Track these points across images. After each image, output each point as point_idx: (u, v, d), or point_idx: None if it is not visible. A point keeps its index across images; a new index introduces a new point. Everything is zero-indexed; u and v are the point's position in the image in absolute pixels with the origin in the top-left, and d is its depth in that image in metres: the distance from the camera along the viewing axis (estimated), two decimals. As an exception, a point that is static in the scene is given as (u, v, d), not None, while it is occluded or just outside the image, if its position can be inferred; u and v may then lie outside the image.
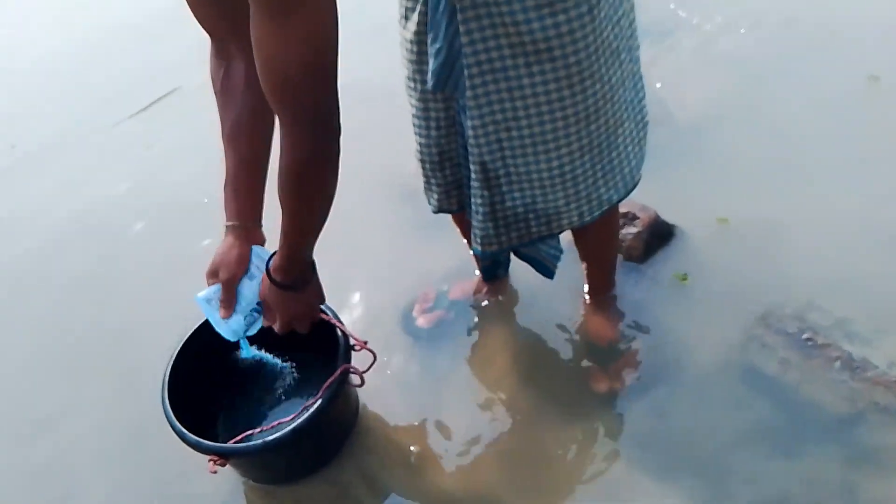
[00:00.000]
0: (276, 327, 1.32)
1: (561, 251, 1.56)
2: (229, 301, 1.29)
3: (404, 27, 1.28)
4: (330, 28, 0.94)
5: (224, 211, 1.28)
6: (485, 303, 1.85)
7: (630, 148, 1.35)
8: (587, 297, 1.78)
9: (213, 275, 1.29)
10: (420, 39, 1.25)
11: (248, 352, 1.38)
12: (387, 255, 2.04)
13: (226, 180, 1.26)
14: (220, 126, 1.25)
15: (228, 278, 1.28)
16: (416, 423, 1.64)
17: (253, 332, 1.35)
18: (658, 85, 2.31)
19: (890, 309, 1.64)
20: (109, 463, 1.72)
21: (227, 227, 1.28)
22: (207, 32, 1.20)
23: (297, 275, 1.26)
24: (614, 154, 1.32)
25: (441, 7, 1.16)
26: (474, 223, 1.38)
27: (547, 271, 1.58)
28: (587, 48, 1.14)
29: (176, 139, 2.71)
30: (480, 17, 1.13)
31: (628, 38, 1.26)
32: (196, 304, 1.30)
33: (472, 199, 1.35)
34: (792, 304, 1.67)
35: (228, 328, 1.31)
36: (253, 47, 0.96)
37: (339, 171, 1.10)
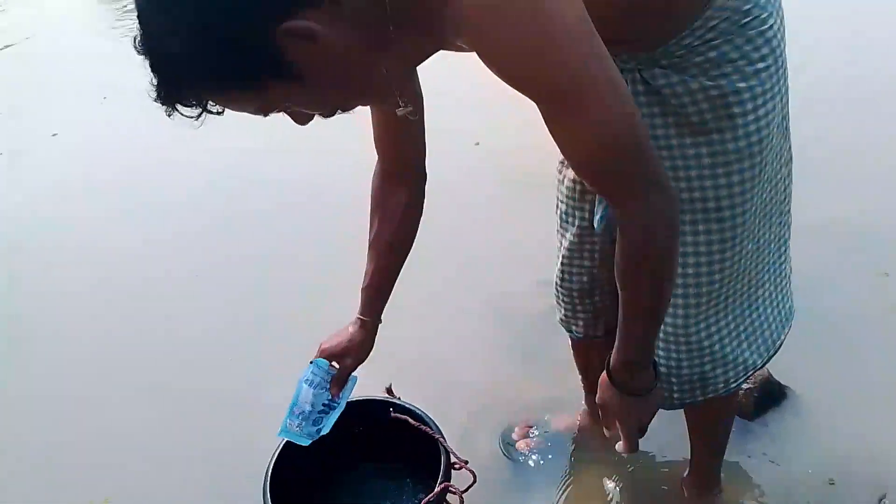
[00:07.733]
0: (621, 446, 1.22)
1: None
2: (340, 382, 1.44)
3: (561, 171, 1.41)
4: (623, 109, 0.89)
5: (360, 303, 1.43)
6: (585, 440, 1.85)
7: (770, 311, 1.32)
8: (684, 490, 1.67)
9: (325, 350, 1.44)
10: (585, 185, 1.33)
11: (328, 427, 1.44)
12: (494, 378, 2.08)
13: (365, 280, 1.42)
14: (368, 233, 1.39)
15: (352, 363, 1.43)
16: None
17: (325, 430, 1.43)
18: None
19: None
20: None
21: (357, 318, 1.43)
22: (379, 154, 1.34)
23: (643, 374, 1.12)
24: (755, 315, 1.29)
25: None
26: None
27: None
28: (753, 209, 1.17)
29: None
30: None
31: (781, 202, 1.25)
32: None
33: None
34: None
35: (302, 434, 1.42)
36: (557, 143, 0.93)
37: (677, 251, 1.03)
